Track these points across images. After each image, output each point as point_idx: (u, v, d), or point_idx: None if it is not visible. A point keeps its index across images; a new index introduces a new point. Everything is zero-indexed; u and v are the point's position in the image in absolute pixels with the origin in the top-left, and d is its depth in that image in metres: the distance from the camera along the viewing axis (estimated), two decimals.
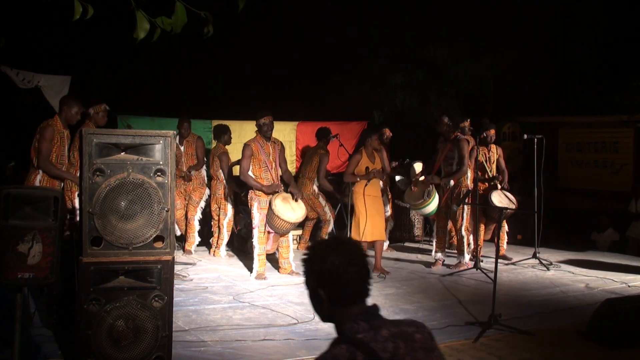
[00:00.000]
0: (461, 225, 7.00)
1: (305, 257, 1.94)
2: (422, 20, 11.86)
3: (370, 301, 1.91)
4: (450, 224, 7.26)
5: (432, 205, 6.95)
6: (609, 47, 11.56)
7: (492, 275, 5.34)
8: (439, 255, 7.22)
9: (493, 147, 7.59)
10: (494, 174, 7.54)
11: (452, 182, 7.03)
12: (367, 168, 6.66)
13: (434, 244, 7.30)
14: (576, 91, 11.70)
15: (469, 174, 7.08)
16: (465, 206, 6.93)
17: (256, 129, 6.40)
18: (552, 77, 11.80)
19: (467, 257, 7.07)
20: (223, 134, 7.61)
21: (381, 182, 7.14)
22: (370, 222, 6.60)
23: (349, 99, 12.48)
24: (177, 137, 7.50)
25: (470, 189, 7.31)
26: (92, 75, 10.29)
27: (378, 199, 6.78)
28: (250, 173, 6.29)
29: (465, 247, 7.04)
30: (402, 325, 1.86)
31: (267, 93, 12.45)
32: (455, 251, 7.57)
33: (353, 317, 1.84)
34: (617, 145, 10.34)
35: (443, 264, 7.19)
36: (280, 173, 6.47)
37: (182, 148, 7.51)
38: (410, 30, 11.84)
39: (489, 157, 7.53)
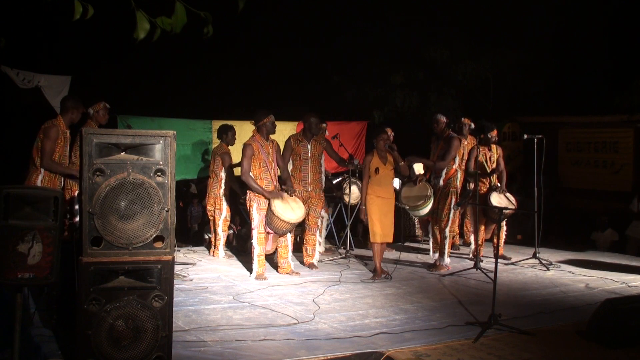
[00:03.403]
0: (445, 227, 6.95)
1: None
2: (422, 20, 11.88)
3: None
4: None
5: (428, 207, 6.93)
6: (609, 47, 11.58)
7: (492, 275, 5.34)
8: (437, 256, 7.21)
9: (494, 147, 7.57)
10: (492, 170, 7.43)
11: (441, 182, 7.02)
12: (376, 169, 6.54)
13: (431, 245, 7.29)
14: (576, 91, 11.71)
15: (459, 175, 7.07)
16: (452, 209, 6.91)
17: (255, 128, 6.37)
18: (552, 77, 11.83)
19: (447, 260, 7.01)
20: (224, 134, 7.60)
21: (395, 184, 7.03)
22: (379, 224, 6.48)
23: (349, 99, 12.50)
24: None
25: (471, 189, 7.31)
26: (92, 75, 10.29)
27: (390, 201, 6.59)
28: (250, 174, 6.25)
29: (447, 249, 6.98)
30: None
31: (267, 93, 12.46)
32: (456, 251, 7.56)
33: None
34: (617, 145, 10.35)
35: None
36: (278, 173, 6.45)
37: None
38: (410, 30, 11.86)
39: (490, 157, 7.52)
